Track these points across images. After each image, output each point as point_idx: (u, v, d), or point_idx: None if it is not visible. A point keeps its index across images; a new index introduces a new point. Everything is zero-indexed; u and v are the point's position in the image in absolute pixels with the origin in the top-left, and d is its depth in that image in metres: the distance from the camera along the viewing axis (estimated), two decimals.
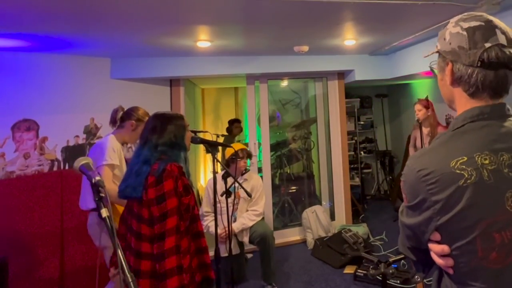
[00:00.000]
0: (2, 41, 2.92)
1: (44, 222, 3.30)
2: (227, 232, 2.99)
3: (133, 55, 3.92)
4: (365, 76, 4.69)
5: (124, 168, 2.69)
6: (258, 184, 3.69)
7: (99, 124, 3.77)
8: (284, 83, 5.74)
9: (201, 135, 2.57)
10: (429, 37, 3.57)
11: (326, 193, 5.22)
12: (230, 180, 2.83)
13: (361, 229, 4.57)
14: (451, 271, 0.86)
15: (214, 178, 2.50)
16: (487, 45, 0.86)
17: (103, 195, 1.21)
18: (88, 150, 3.61)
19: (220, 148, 3.37)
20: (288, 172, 5.72)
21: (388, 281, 3.19)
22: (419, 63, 3.87)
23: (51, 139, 3.48)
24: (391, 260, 3.02)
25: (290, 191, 5.48)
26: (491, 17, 0.91)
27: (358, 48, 4.11)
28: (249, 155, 3.65)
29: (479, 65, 0.87)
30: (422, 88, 5.51)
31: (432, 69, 1.04)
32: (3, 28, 2.60)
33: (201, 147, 3.50)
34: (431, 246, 0.88)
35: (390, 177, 6.59)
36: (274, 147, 5.37)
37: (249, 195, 2.91)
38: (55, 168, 3.50)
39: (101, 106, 3.55)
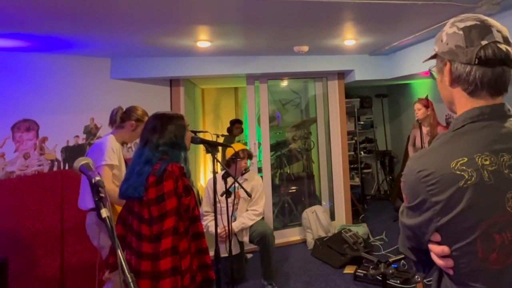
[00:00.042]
0: (2, 41, 2.92)
1: (44, 222, 3.30)
2: (226, 231, 2.99)
3: (133, 55, 3.92)
4: (365, 76, 4.69)
5: (123, 168, 2.69)
6: (258, 184, 3.69)
7: (99, 124, 3.77)
8: (284, 83, 5.74)
9: (201, 135, 2.57)
10: (429, 37, 3.57)
11: (326, 193, 5.22)
12: (230, 180, 2.83)
13: (361, 229, 4.57)
14: (451, 272, 0.86)
15: (214, 178, 2.50)
16: (484, 42, 0.87)
17: (103, 195, 1.20)
18: (87, 150, 3.61)
19: (220, 148, 3.37)
20: (288, 172, 5.72)
21: (388, 281, 3.19)
22: (419, 63, 3.87)
23: (51, 139, 3.48)
24: (391, 260, 3.02)
25: (290, 191, 5.48)
26: (486, 17, 0.92)
27: (358, 48, 4.11)
28: (250, 156, 3.65)
29: (476, 62, 0.87)
30: (422, 88, 5.51)
31: (431, 72, 1.04)
32: (3, 28, 2.60)
33: (201, 147, 3.50)
34: (431, 247, 0.88)
35: (390, 177, 6.59)
36: (274, 147, 5.37)
37: (249, 195, 2.91)
38: (55, 168, 3.50)
39: (101, 106, 3.54)
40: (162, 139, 1.97)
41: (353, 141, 6.44)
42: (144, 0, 2.17)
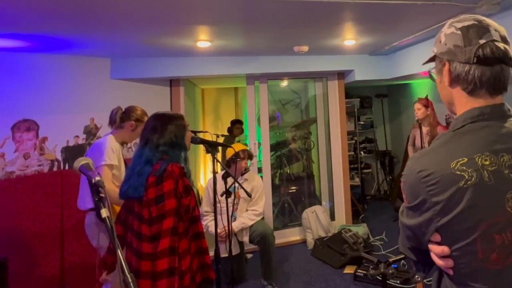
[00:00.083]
0: (2, 41, 2.92)
1: (44, 222, 3.30)
2: (226, 231, 2.99)
3: (133, 55, 3.92)
4: (365, 76, 4.69)
5: (123, 168, 2.69)
6: (258, 184, 3.69)
7: (99, 124, 3.77)
8: (284, 83, 5.74)
9: (201, 135, 2.57)
10: (429, 37, 3.57)
11: (326, 193, 5.21)
12: (230, 180, 2.83)
13: (361, 229, 4.57)
14: (451, 272, 0.86)
15: (214, 178, 2.50)
16: (482, 41, 0.87)
17: (103, 195, 1.20)
18: (87, 150, 3.61)
19: (220, 148, 3.37)
20: (288, 172, 5.72)
21: (388, 281, 3.19)
22: (419, 63, 3.84)
23: (51, 139, 3.48)
24: (391, 260, 3.02)
25: (290, 191, 5.47)
26: (483, 17, 0.92)
27: (358, 48, 4.11)
28: (250, 156, 3.65)
29: (475, 61, 0.87)
30: (422, 88, 5.51)
31: (430, 74, 1.04)
32: (3, 28, 2.60)
33: (201, 147, 3.50)
34: (431, 247, 0.88)
35: (390, 177, 6.59)
36: (274, 147, 5.37)
37: (249, 195, 2.91)
38: (55, 168, 3.50)
39: (101, 106, 3.54)
40: (162, 139, 1.97)
41: (353, 141, 6.44)
42: (144, 0, 2.17)
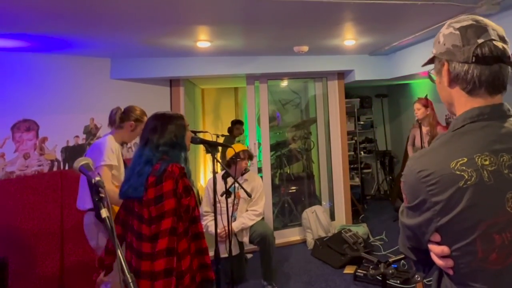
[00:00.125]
0: (2, 41, 2.92)
1: (44, 222, 3.30)
2: (226, 231, 2.99)
3: (133, 55, 3.92)
4: (365, 76, 4.69)
5: (122, 169, 2.69)
6: (258, 184, 3.69)
7: (99, 125, 3.77)
8: (284, 83, 5.74)
9: (201, 135, 2.57)
10: (429, 37, 3.57)
11: (326, 193, 5.21)
12: (230, 180, 2.83)
13: (361, 229, 4.57)
14: (451, 272, 0.86)
15: (214, 178, 2.50)
16: (480, 41, 0.88)
17: (102, 195, 1.20)
18: (87, 150, 3.61)
19: (220, 148, 3.37)
20: (288, 172, 5.72)
21: (388, 281, 3.19)
22: (419, 63, 3.84)
23: (51, 140, 3.48)
24: (391, 260, 3.02)
25: (290, 191, 5.47)
26: (481, 17, 0.93)
27: (358, 48, 4.11)
28: (250, 156, 3.65)
29: (473, 60, 0.88)
30: (422, 88, 5.51)
31: (430, 75, 1.04)
32: (3, 28, 2.60)
33: (201, 147, 3.50)
34: (431, 247, 0.88)
35: (390, 177, 6.59)
36: (274, 147, 5.37)
37: (249, 195, 2.91)
38: (55, 168, 3.50)
39: (101, 106, 3.54)
40: (162, 139, 1.97)
41: (353, 141, 6.44)
42: (144, 0, 2.17)
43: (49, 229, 3.31)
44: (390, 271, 2.90)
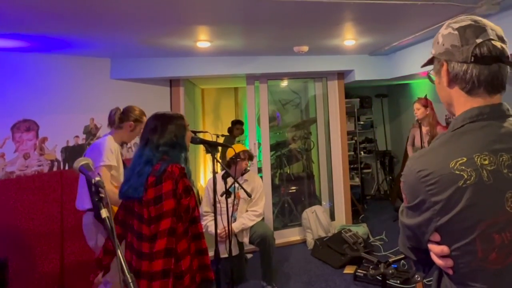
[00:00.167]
0: (2, 41, 2.92)
1: (44, 222, 3.30)
2: (226, 232, 2.99)
3: (133, 56, 3.92)
4: (365, 76, 4.69)
5: (122, 169, 2.69)
6: (258, 185, 3.68)
7: (99, 125, 3.77)
8: (284, 83, 5.74)
9: (201, 135, 2.57)
10: (429, 37, 3.57)
11: (326, 193, 5.21)
12: (230, 180, 2.83)
13: (361, 229, 4.57)
14: (450, 272, 0.86)
15: (214, 178, 2.50)
16: (479, 40, 0.88)
17: (102, 195, 1.20)
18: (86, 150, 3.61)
19: (220, 148, 3.37)
20: (288, 172, 5.72)
21: (388, 281, 3.19)
22: (418, 63, 3.84)
23: (51, 140, 3.48)
24: (391, 260, 3.02)
25: (290, 191, 5.47)
26: (479, 18, 0.93)
27: (358, 48, 4.11)
28: (251, 157, 3.65)
29: (472, 60, 0.88)
30: (422, 88, 5.51)
31: (429, 75, 1.04)
32: (3, 28, 2.60)
33: (201, 147, 3.50)
34: (431, 246, 0.88)
35: (390, 177, 6.59)
36: (274, 147, 5.37)
37: (249, 195, 2.91)
38: (55, 169, 3.50)
39: (101, 106, 3.54)
40: (163, 139, 1.97)
41: (353, 141, 6.44)
42: (144, 0, 2.17)
43: (49, 229, 3.32)
44: (390, 271, 2.90)
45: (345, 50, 4.22)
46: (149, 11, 2.40)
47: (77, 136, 3.67)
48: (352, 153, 6.40)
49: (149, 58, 4.01)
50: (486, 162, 0.83)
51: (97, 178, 1.23)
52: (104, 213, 1.17)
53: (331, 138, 5.04)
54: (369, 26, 3.13)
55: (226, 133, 6.00)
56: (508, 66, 0.90)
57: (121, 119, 2.69)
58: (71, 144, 3.62)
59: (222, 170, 3.51)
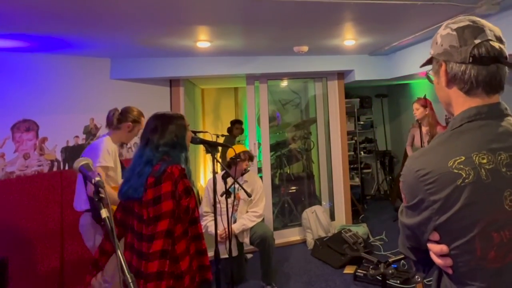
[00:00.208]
0: (2, 41, 2.92)
1: (44, 222, 3.30)
2: (226, 232, 2.99)
3: (133, 56, 3.92)
4: (365, 76, 4.69)
5: (119, 170, 2.69)
6: (258, 186, 3.68)
7: (99, 125, 3.77)
8: (284, 83, 5.74)
9: (201, 135, 2.57)
10: (429, 37, 3.57)
11: (326, 193, 5.21)
12: (230, 181, 2.83)
13: (361, 229, 4.57)
14: (450, 271, 0.86)
15: (214, 178, 2.50)
16: (477, 41, 0.88)
17: (102, 195, 1.20)
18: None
19: (220, 148, 3.37)
20: (288, 172, 5.72)
21: (388, 281, 3.19)
22: (418, 63, 3.84)
23: (51, 140, 3.48)
24: (391, 260, 3.02)
25: (290, 191, 5.47)
26: (478, 18, 0.93)
27: (357, 48, 4.11)
28: (251, 157, 3.64)
29: (470, 61, 0.88)
30: (421, 88, 5.51)
31: (428, 75, 1.05)
32: (3, 28, 2.60)
33: (201, 147, 3.50)
34: (430, 246, 0.88)
35: (390, 177, 6.59)
36: (274, 147, 5.37)
37: (248, 195, 2.91)
38: (55, 169, 3.50)
39: (101, 106, 3.54)
40: (163, 139, 1.96)
41: (353, 141, 6.44)
42: (144, 0, 2.17)
43: (49, 229, 3.32)
44: (390, 271, 2.90)
45: (345, 50, 4.22)
46: (149, 11, 2.40)
47: (77, 136, 3.67)
48: (352, 153, 6.40)
49: (149, 58, 4.01)
50: (485, 161, 0.83)
51: (97, 178, 1.23)
52: (104, 213, 1.17)
53: (331, 138, 5.04)
54: (369, 26, 3.13)
55: (226, 133, 6.00)
56: (506, 67, 0.90)
57: (119, 120, 2.69)
58: (71, 144, 3.62)
59: (222, 170, 3.51)
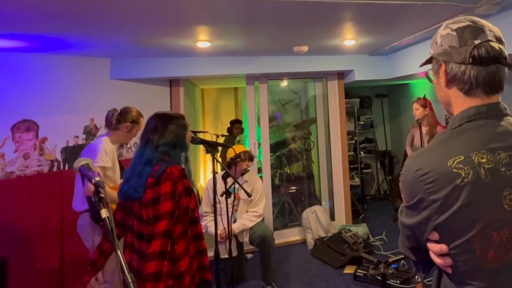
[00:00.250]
0: (2, 41, 2.92)
1: (44, 222, 3.30)
2: (227, 233, 2.99)
3: (133, 56, 3.92)
4: (365, 76, 4.69)
5: (117, 170, 2.69)
6: (258, 185, 3.68)
7: (99, 125, 3.77)
8: (284, 83, 5.74)
9: (201, 135, 2.57)
10: (429, 37, 3.57)
11: (326, 193, 5.21)
12: (230, 181, 2.83)
13: (361, 229, 4.57)
14: (449, 271, 0.86)
15: (214, 178, 2.50)
16: (477, 42, 0.88)
17: (102, 195, 1.20)
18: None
19: (220, 148, 3.37)
20: (288, 172, 5.72)
21: (388, 281, 3.19)
22: (418, 63, 3.84)
23: (51, 140, 3.48)
24: (390, 260, 3.02)
25: (290, 191, 5.47)
26: (478, 18, 0.93)
27: (357, 48, 4.11)
28: (251, 158, 3.64)
29: (470, 61, 0.88)
30: (422, 88, 5.51)
31: (428, 75, 1.05)
32: (3, 28, 2.61)
33: (201, 147, 3.50)
34: (430, 245, 0.88)
35: (390, 177, 6.59)
36: (274, 147, 5.37)
37: (248, 195, 2.91)
38: (54, 169, 3.50)
39: (101, 106, 3.53)
40: (163, 139, 1.96)
41: (353, 141, 6.44)
42: (144, 0, 2.17)
43: (49, 229, 3.32)
44: (390, 271, 2.90)
45: (345, 50, 4.22)
46: (149, 11, 2.40)
47: (77, 136, 3.67)
48: (352, 153, 6.40)
49: (149, 58, 4.01)
50: (484, 160, 0.83)
51: (97, 178, 1.23)
52: (104, 213, 1.17)
53: (331, 138, 5.04)
54: (369, 26, 3.13)
55: (226, 133, 6.00)
56: (506, 67, 0.90)
57: (118, 120, 2.69)
58: (71, 144, 3.62)
59: (222, 170, 3.50)
